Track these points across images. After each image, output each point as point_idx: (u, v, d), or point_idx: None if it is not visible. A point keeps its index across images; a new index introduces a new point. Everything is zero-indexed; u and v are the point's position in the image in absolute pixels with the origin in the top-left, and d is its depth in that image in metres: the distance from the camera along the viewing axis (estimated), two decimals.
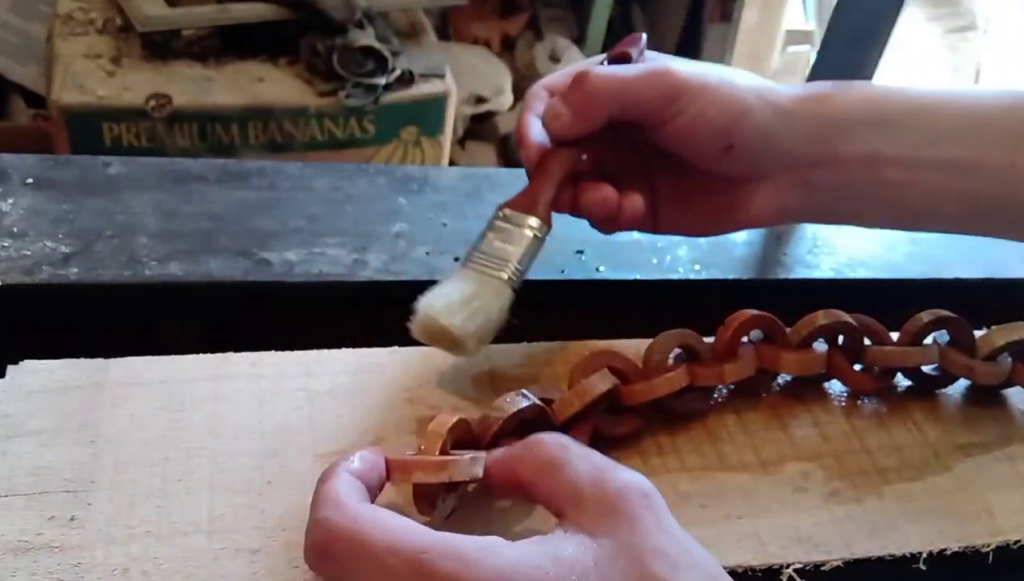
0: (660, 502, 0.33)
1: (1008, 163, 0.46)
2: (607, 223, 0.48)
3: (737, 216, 0.49)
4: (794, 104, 0.47)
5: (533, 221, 0.46)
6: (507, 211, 0.46)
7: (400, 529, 0.31)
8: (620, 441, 0.46)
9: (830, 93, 0.47)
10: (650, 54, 0.49)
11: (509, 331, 0.51)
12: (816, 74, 0.76)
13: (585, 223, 0.49)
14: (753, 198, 0.48)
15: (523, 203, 0.46)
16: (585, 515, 0.32)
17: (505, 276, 0.45)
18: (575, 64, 0.50)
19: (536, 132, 0.47)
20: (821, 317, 0.49)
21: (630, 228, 0.49)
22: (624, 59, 0.48)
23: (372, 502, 0.34)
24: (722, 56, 1.99)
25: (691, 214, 0.50)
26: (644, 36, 0.50)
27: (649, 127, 0.46)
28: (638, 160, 0.50)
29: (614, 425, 0.46)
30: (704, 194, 0.49)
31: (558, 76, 0.49)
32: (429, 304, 0.43)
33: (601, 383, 0.44)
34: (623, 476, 0.33)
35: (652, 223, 0.50)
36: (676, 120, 0.45)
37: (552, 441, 0.36)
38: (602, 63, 0.48)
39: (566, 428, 0.43)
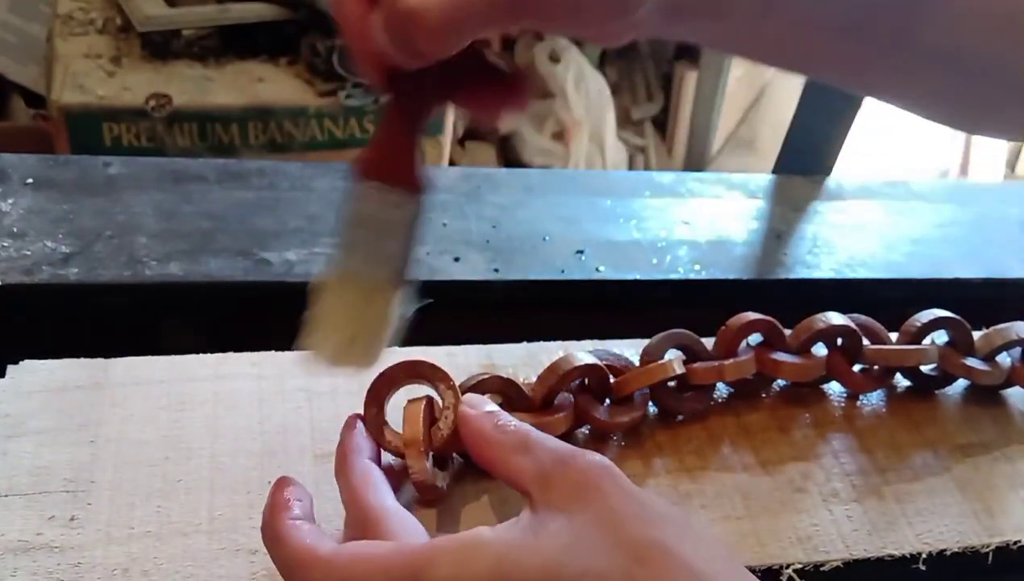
0: (619, 472, 0.35)
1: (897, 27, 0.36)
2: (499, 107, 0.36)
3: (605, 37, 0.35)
4: None
5: (403, 195, 0.35)
6: (367, 184, 0.35)
7: (383, 552, 0.32)
8: (618, 432, 0.46)
9: None
10: None
11: (510, 330, 0.51)
12: None
13: (585, 223, 0.49)
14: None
15: (384, 168, 0.35)
16: (554, 494, 0.33)
17: (386, 279, 0.36)
18: None
19: (363, 45, 0.32)
20: (819, 322, 0.49)
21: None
22: None
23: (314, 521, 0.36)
24: (722, 56, 1.99)
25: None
26: None
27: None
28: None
29: (611, 415, 0.46)
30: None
31: None
32: (324, 345, 0.37)
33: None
34: (583, 456, 0.35)
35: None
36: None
37: (516, 428, 0.37)
38: None
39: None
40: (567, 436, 0.45)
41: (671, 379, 0.46)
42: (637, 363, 0.47)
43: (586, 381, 0.46)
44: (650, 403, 0.48)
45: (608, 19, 0.32)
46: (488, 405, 0.39)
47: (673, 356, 0.47)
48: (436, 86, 0.34)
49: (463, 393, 0.41)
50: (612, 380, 0.46)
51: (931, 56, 0.38)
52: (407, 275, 0.37)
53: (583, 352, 0.45)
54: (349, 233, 0.36)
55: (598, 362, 0.45)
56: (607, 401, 0.46)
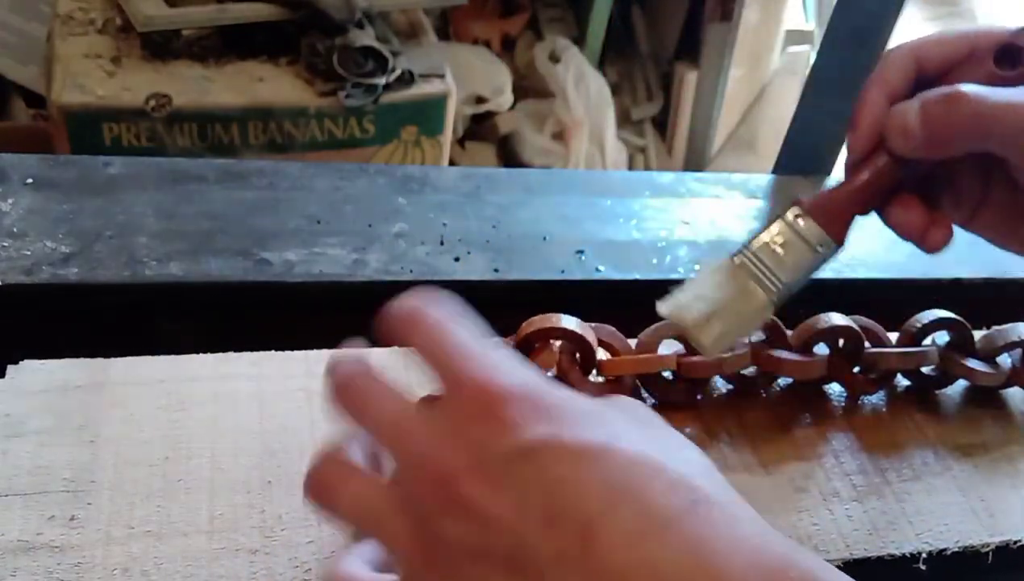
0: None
1: None
2: (913, 242, 0.41)
3: None
4: None
5: (825, 238, 0.40)
6: (802, 215, 0.40)
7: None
8: None
9: None
10: None
11: (510, 330, 0.51)
12: (816, 74, 0.76)
13: (585, 223, 0.49)
14: None
15: (824, 211, 0.40)
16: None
17: (774, 297, 0.40)
18: (957, 32, 0.40)
19: (873, 117, 0.39)
20: (821, 322, 0.49)
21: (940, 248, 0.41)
22: (1015, 58, 0.39)
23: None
24: (722, 56, 1.99)
25: (1016, 228, 0.42)
26: None
27: (1006, 161, 0.38)
28: (972, 162, 0.41)
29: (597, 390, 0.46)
30: None
31: (933, 45, 0.40)
32: (687, 303, 0.40)
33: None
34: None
35: (968, 221, 0.42)
36: None
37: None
38: (989, 53, 0.39)
39: None
40: None
41: (666, 370, 0.47)
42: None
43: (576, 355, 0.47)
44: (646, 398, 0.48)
45: None
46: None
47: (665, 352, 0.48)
48: (899, 181, 0.40)
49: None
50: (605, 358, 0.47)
51: None
52: (782, 302, 0.41)
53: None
54: (770, 240, 0.41)
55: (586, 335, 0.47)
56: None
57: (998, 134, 0.36)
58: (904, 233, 0.40)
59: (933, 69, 0.39)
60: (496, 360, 0.30)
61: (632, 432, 0.30)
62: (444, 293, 0.34)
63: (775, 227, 0.40)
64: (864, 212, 0.40)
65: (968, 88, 0.36)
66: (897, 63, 0.40)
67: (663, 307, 0.40)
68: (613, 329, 0.48)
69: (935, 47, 0.40)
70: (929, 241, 0.40)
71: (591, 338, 0.47)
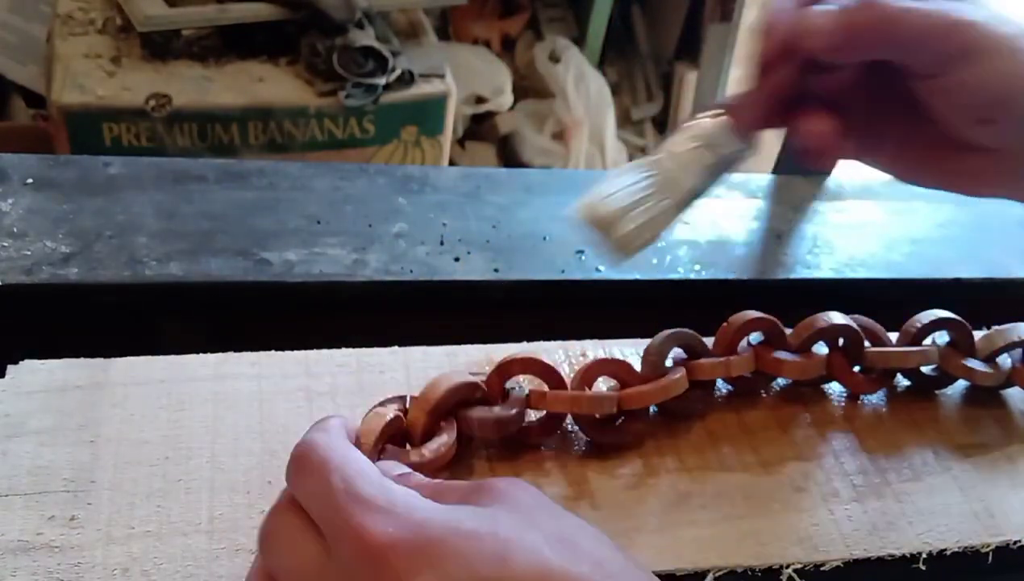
0: (535, 490, 0.35)
1: None
2: (814, 159, 0.42)
3: (961, 182, 0.43)
4: None
5: (736, 142, 0.42)
6: (712, 120, 0.41)
7: (353, 456, 0.33)
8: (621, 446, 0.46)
9: None
10: None
11: (510, 330, 0.51)
12: None
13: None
14: (988, 169, 0.42)
15: (736, 113, 0.41)
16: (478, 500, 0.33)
17: (683, 196, 0.41)
18: None
19: (784, 22, 0.40)
20: (821, 321, 0.49)
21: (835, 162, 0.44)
22: None
23: None
24: (722, 56, 1.99)
25: (910, 161, 0.44)
26: None
27: (910, 73, 0.40)
28: (872, 81, 0.43)
29: (615, 434, 0.46)
30: (934, 146, 0.42)
31: None
32: (598, 205, 0.41)
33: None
34: (498, 479, 0.35)
35: (861, 152, 0.45)
36: (945, 78, 0.39)
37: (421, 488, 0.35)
38: None
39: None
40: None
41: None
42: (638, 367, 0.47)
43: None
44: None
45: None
46: (397, 469, 0.37)
47: (679, 375, 0.47)
48: (804, 92, 0.41)
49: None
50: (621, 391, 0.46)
51: None
52: (690, 203, 0.42)
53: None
54: (681, 140, 0.42)
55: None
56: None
57: (902, 36, 0.38)
58: (810, 142, 0.41)
59: None
60: (374, 503, 0.31)
61: (526, 535, 0.30)
62: (334, 420, 0.36)
63: (688, 130, 0.42)
64: (775, 120, 0.42)
65: None
66: None
67: (577, 209, 0.41)
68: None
69: None
70: (830, 152, 0.41)
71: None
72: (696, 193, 0.42)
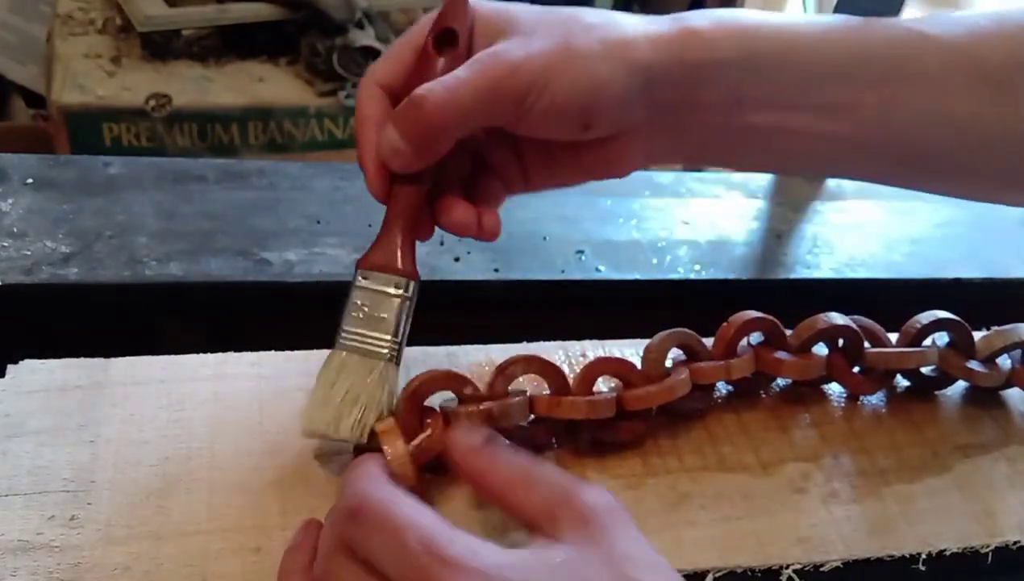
0: (626, 516, 0.35)
1: (883, 103, 0.42)
2: (472, 237, 0.44)
3: (607, 168, 0.46)
4: (655, 53, 0.41)
5: (397, 280, 0.41)
6: (366, 272, 0.41)
7: (421, 512, 0.33)
8: (621, 445, 0.46)
9: (699, 30, 0.42)
10: (480, 9, 0.42)
11: (510, 331, 0.51)
12: None
13: (585, 223, 0.49)
14: (621, 150, 0.44)
15: (382, 258, 0.41)
16: (562, 530, 0.34)
17: (384, 356, 0.41)
18: (399, 43, 0.43)
19: (373, 153, 0.41)
20: (821, 321, 0.49)
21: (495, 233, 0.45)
22: (450, 38, 0.41)
23: None
24: None
25: (562, 172, 0.46)
26: None
27: (500, 125, 0.42)
28: (497, 133, 0.44)
29: (616, 431, 0.46)
30: (571, 153, 0.44)
31: (387, 65, 0.42)
32: (315, 415, 0.40)
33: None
34: (591, 493, 0.35)
35: (524, 186, 0.46)
36: (528, 116, 0.40)
37: (516, 458, 0.37)
38: (428, 40, 0.41)
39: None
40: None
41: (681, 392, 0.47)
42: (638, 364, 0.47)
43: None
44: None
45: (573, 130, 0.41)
46: (482, 433, 0.38)
47: (683, 375, 0.47)
48: (429, 190, 0.42)
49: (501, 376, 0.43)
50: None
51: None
52: (400, 355, 0.41)
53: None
54: (354, 310, 0.41)
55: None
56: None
57: (463, 114, 0.39)
58: (459, 230, 0.43)
59: (398, 85, 0.41)
60: (460, 563, 0.31)
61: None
62: (372, 465, 0.37)
63: (353, 295, 0.41)
64: (420, 233, 0.42)
65: (421, 89, 0.39)
66: (366, 96, 0.42)
67: (303, 430, 0.41)
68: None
69: (388, 65, 0.42)
70: (485, 228, 0.43)
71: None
72: (399, 346, 0.41)
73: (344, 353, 0.41)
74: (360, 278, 0.41)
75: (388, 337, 0.41)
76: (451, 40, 0.41)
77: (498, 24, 0.41)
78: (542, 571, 0.32)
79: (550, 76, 0.39)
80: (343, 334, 0.41)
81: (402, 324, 0.41)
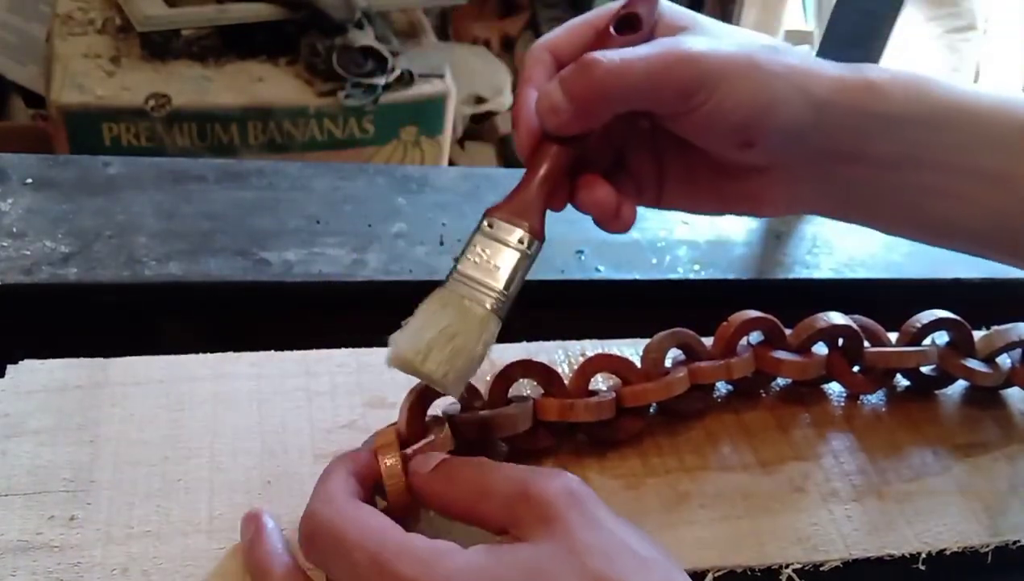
0: (585, 496, 0.35)
1: None
2: (605, 223, 0.44)
3: (746, 204, 0.45)
4: (834, 93, 0.41)
5: (523, 235, 0.40)
6: (494, 220, 0.40)
7: (371, 528, 0.33)
8: (619, 443, 0.46)
9: (877, 82, 0.41)
10: (666, 6, 0.42)
11: (510, 331, 0.51)
12: None
13: (585, 223, 0.49)
14: (766, 187, 0.44)
15: (513, 210, 0.40)
16: (524, 528, 0.34)
17: (489, 305, 0.39)
18: (580, 19, 0.43)
19: (529, 111, 0.40)
20: (820, 321, 0.49)
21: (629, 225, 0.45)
22: (633, 23, 0.41)
23: (367, 498, 0.37)
24: None
25: (698, 195, 0.46)
26: None
27: (661, 116, 0.41)
28: (645, 133, 0.45)
29: (613, 430, 0.46)
30: (715, 177, 0.44)
31: (563, 35, 0.42)
32: (405, 341, 0.39)
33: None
34: (545, 483, 0.35)
35: (656, 201, 0.46)
36: (692, 114, 0.40)
37: (470, 470, 0.37)
38: (609, 24, 0.41)
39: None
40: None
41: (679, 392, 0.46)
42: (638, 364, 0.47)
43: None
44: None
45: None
46: (435, 457, 0.38)
47: (681, 374, 0.47)
48: (574, 164, 0.41)
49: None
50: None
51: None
52: (506, 312, 0.40)
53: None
54: (472, 253, 0.40)
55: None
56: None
57: (628, 88, 0.38)
58: (597, 211, 0.42)
59: (568, 56, 0.41)
60: (409, 575, 0.32)
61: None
62: (334, 481, 0.37)
63: (474, 239, 0.40)
64: (554, 201, 0.42)
65: (595, 53, 0.38)
66: (535, 59, 0.42)
67: (389, 356, 0.39)
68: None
69: (564, 35, 0.42)
70: (622, 217, 0.43)
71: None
72: (507, 300, 0.40)
73: (451, 293, 0.39)
74: (486, 224, 0.40)
75: (499, 288, 0.39)
76: (634, 25, 0.41)
77: (684, 23, 0.41)
78: (500, 571, 0.32)
79: (725, 77, 0.39)
80: (455, 274, 0.40)
81: (516, 279, 0.40)
